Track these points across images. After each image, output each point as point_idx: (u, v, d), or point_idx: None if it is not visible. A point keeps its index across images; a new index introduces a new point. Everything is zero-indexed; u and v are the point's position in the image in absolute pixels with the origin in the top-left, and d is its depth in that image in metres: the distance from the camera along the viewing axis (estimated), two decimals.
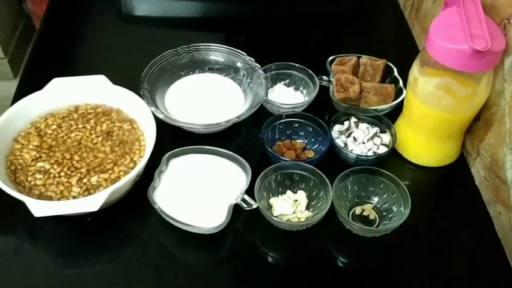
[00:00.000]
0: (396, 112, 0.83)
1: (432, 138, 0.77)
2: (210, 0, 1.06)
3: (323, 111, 0.83)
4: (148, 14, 1.06)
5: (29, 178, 0.67)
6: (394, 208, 0.70)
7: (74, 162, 0.70)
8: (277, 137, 0.80)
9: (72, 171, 0.69)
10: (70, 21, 1.03)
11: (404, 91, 0.81)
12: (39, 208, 0.61)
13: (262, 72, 0.83)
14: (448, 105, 0.71)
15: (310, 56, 0.94)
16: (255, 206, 0.67)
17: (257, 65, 0.84)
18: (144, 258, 0.65)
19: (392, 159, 0.79)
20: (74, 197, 0.66)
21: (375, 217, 0.71)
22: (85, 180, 0.68)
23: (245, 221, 0.69)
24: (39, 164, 0.69)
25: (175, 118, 0.77)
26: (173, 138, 0.78)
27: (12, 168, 0.68)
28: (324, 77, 0.85)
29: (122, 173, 0.69)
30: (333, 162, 0.76)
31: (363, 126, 0.80)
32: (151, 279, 0.64)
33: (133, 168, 0.69)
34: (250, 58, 0.84)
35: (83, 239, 0.67)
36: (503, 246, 0.70)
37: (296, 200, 0.71)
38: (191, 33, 0.99)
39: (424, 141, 0.78)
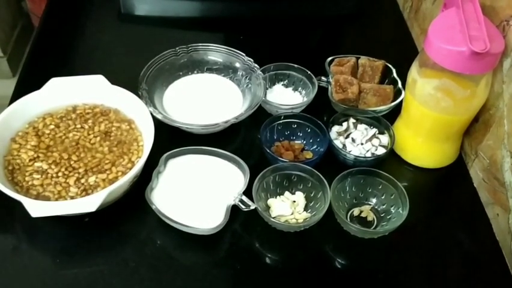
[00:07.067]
0: (394, 113, 0.82)
1: (431, 139, 0.77)
2: (209, 0, 1.05)
3: (322, 112, 0.83)
4: (147, 14, 1.06)
5: (27, 178, 0.67)
6: (392, 209, 0.70)
7: (72, 162, 0.69)
8: (275, 137, 0.79)
9: (70, 172, 0.68)
10: (68, 20, 1.02)
11: (403, 92, 0.81)
12: (36, 208, 0.61)
13: (260, 72, 0.82)
14: (447, 106, 0.71)
15: (309, 57, 0.94)
16: (253, 207, 0.67)
17: (256, 65, 0.83)
18: (142, 259, 0.65)
19: (391, 160, 0.79)
20: (72, 198, 0.66)
21: (373, 218, 0.71)
22: (82, 181, 0.67)
23: (243, 222, 0.69)
24: (37, 164, 0.69)
25: (174, 118, 0.77)
26: (171, 139, 0.78)
27: (10, 168, 0.68)
28: (323, 78, 0.85)
29: (120, 173, 0.69)
30: (332, 163, 0.76)
31: (361, 127, 0.80)
32: (149, 280, 0.64)
33: (131, 168, 0.69)
34: (249, 58, 0.84)
35: (81, 239, 0.67)
36: (501, 248, 0.70)
37: (294, 201, 0.71)
38: (190, 33, 0.99)
39: (422, 143, 0.78)
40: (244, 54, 0.85)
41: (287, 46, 1.00)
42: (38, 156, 0.70)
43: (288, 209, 0.69)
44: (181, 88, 0.85)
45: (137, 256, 0.66)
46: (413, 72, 0.74)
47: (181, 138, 0.78)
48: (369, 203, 0.72)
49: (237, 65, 0.86)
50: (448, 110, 0.71)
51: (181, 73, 0.87)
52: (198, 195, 0.69)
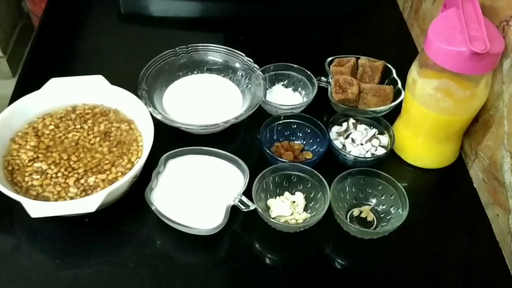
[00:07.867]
0: (394, 113, 0.82)
1: (431, 140, 0.77)
2: (209, 1, 1.05)
3: (321, 112, 0.83)
4: (147, 14, 1.06)
5: (26, 178, 0.67)
6: (392, 210, 0.70)
7: (71, 162, 0.69)
8: (275, 138, 0.79)
9: (69, 172, 0.68)
10: (68, 20, 1.03)
11: (403, 92, 0.81)
12: (36, 209, 0.61)
13: (260, 73, 0.82)
14: (447, 107, 0.71)
15: (309, 57, 0.94)
16: (252, 208, 0.67)
17: (255, 65, 0.83)
18: (141, 259, 0.65)
19: (390, 160, 0.79)
20: (72, 198, 0.66)
21: (373, 219, 0.71)
22: (82, 181, 0.67)
23: (243, 222, 0.69)
24: (36, 165, 0.69)
25: (173, 119, 0.77)
26: (171, 139, 0.78)
27: (9, 168, 0.68)
28: (323, 78, 0.85)
29: (119, 173, 0.69)
30: (331, 163, 0.76)
31: (361, 127, 0.80)
32: (148, 280, 0.64)
33: (130, 169, 0.69)
34: (249, 59, 0.84)
35: (80, 239, 0.67)
36: (501, 249, 0.70)
37: (294, 202, 0.71)
38: (189, 34, 0.99)
39: (422, 143, 0.78)
40: (244, 55, 0.85)
41: (287, 46, 1.00)
42: (37, 157, 0.70)
43: (288, 209, 0.69)
44: (180, 88, 0.85)
45: (137, 256, 0.66)
46: (413, 72, 0.74)
47: (181, 139, 0.78)
48: (369, 203, 0.72)
49: (237, 65, 0.86)
50: (447, 110, 0.71)
51: (180, 73, 0.87)
52: (198, 195, 0.69)
